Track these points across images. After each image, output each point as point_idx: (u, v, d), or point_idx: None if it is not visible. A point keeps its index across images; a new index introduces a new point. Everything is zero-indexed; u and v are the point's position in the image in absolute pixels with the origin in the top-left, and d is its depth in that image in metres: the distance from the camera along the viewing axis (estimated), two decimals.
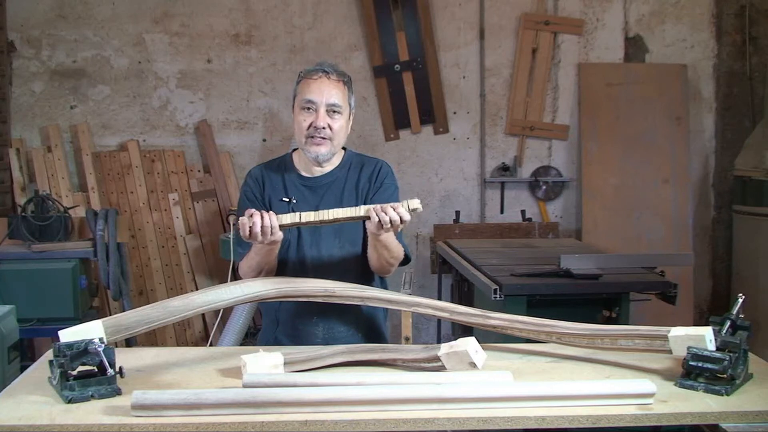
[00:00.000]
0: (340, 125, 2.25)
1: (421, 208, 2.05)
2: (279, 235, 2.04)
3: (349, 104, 2.29)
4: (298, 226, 2.11)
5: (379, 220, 2.00)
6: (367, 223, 2.06)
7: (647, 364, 1.90)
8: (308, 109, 2.22)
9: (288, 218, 2.04)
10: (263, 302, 2.22)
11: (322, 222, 2.06)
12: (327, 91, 2.21)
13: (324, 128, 2.21)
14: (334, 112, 2.22)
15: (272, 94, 4.83)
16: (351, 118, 2.32)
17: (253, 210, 2.04)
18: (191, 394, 1.59)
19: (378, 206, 2.02)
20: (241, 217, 2.04)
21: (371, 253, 2.24)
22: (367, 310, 2.31)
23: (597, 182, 4.81)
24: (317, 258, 2.28)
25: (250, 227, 2.01)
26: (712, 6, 4.91)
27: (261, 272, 2.21)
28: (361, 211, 2.04)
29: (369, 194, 2.32)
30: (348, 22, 4.81)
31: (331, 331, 2.29)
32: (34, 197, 3.98)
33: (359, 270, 2.28)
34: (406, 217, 2.01)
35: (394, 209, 2.01)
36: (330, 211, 2.05)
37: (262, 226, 2.00)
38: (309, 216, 2.04)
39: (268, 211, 2.03)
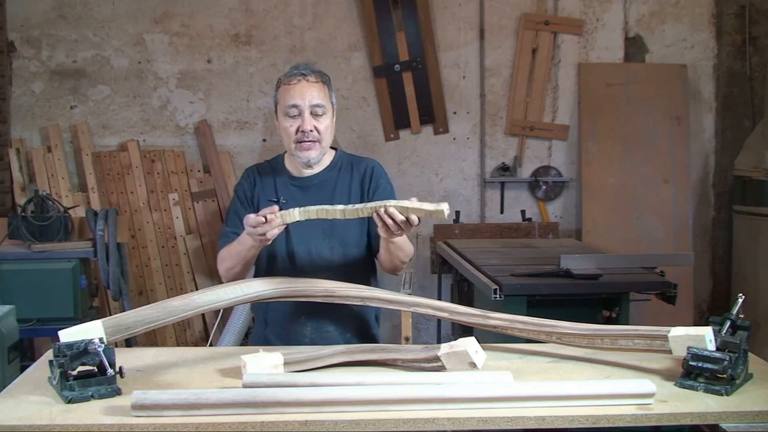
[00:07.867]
0: (326, 125, 2.26)
1: (447, 212, 1.91)
2: (275, 234, 2.04)
3: (332, 103, 2.30)
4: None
5: (384, 223, 1.95)
6: (378, 229, 2.01)
7: (647, 364, 1.90)
8: (293, 115, 2.24)
9: (297, 215, 2.03)
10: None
11: (330, 216, 2.04)
12: (308, 94, 2.23)
13: (311, 131, 2.23)
14: (319, 114, 2.24)
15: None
16: (335, 116, 2.33)
17: (273, 213, 2.02)
18: (191, 394, 1.59)
19: (383, 207, 1.94)
20: (253, 215, 2.03)
21: (384, 255, 2.22)
22: (357, 310, 2.31)
23: (597, 182, 4.81)
24: (306, 257, 2.28)
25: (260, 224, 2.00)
26: (712, 6, 4.91)
27: (239, 263, 2.22)
28: (365, 211, 1.99)
29: (364, 197, 2.32)
30: (348, 22, 4.81)
31: (319, 331, 2.29)
32: (34, 197, 3.97)
33: (351, 271, 2.27)
34: (414, 220, 1.94)
35: (400, 213, 1.94)
36: (334, 207, 2.02)
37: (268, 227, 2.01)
38: (312, 212, 2.03)
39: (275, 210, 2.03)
